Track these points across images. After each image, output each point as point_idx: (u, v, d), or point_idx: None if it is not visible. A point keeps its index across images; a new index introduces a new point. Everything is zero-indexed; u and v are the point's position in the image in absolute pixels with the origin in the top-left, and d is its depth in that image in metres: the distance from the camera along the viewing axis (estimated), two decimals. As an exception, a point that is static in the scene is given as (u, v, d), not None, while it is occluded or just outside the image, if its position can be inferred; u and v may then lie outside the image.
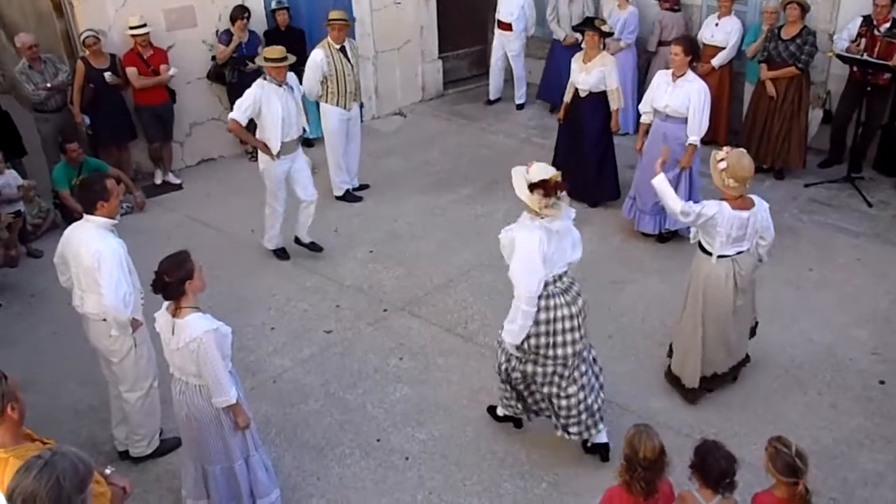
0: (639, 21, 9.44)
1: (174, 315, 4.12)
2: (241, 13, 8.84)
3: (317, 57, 7.85)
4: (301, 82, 7.47)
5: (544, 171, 4.40)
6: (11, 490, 2.54)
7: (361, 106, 8.43)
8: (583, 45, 7.80)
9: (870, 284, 6.75)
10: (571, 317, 4.57)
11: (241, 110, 6.77)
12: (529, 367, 4.71)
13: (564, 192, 4.43)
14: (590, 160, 7.92)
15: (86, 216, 4.70)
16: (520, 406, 5.03)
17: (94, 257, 4.55)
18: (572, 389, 4.70)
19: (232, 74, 8.97)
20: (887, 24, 7.77)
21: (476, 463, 5.10)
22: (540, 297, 4.45)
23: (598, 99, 7.67)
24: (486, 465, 5.08)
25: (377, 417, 5.51)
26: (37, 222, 7.87)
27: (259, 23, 9.25)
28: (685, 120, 6.82)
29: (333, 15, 7.91)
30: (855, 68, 8.03)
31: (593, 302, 6.60)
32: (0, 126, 8.41)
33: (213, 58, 9.06)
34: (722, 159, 4.93)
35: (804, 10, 8.00)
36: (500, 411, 5.28)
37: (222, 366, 4.12)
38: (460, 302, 6.72)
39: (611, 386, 5.69)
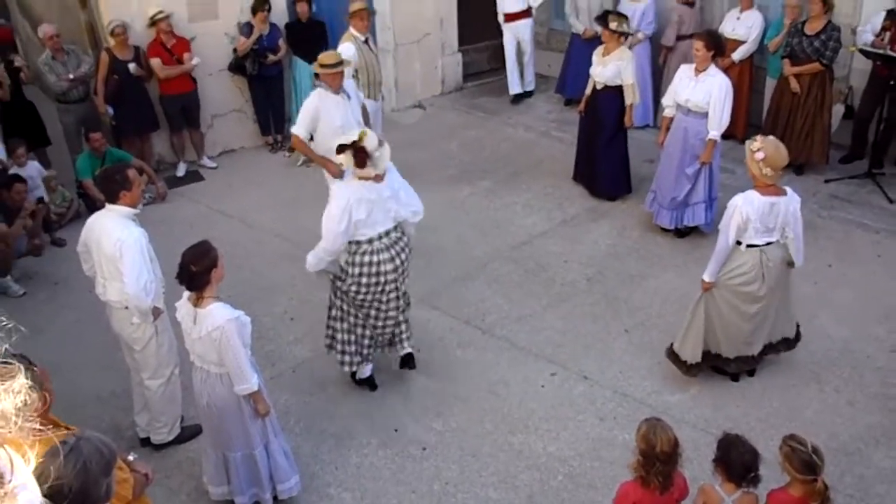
0: (656, 12, 9.40)
1: (196, 304, 4.18)
2: (262, 5, 8.89)
3: (349, 51, 7.82)
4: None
5: (359, 137, 5.01)
6: (38, 475, 2.59)
7: (382, 98, 8.46)
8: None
9: (889, 281, 6.71)
10: (394, 269, 5.13)
11: (301, 124, 6.45)
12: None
13: (377, 159, 4.97)
14: (603, 154, 7.91)
15: (108, 205, 4.77)
16: (360, 353, 5.47)
17: (116, 246, 4.62)
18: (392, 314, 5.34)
19: (253, 66, 9.03)
20: (912, 19, 7.69)
21: (492, 454, 5.13)
22: (364, 253, 5.05)
23: (615, 93, 7.66)
24: (503, 456, 5.12)
25: (395, 408, 5.56)
26: (60, 211, 7.99)
27: (280, 15, 9.30)
28: (706, 115, 6.81)
29: (356, 5, 7.92)
30: (878, 63, 7.96)
31: (610, 296, 6.64)
32: (25, 116, 8.55)
33: (235, 50, 9.12)
34: (759, 149, 4.96)
35: (827, 4, 7.93)
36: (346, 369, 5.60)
37: (244, 354, 4.18)
38: (478, 294, 6.75)
39: (626, 380, 5.72)
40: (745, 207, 5.01)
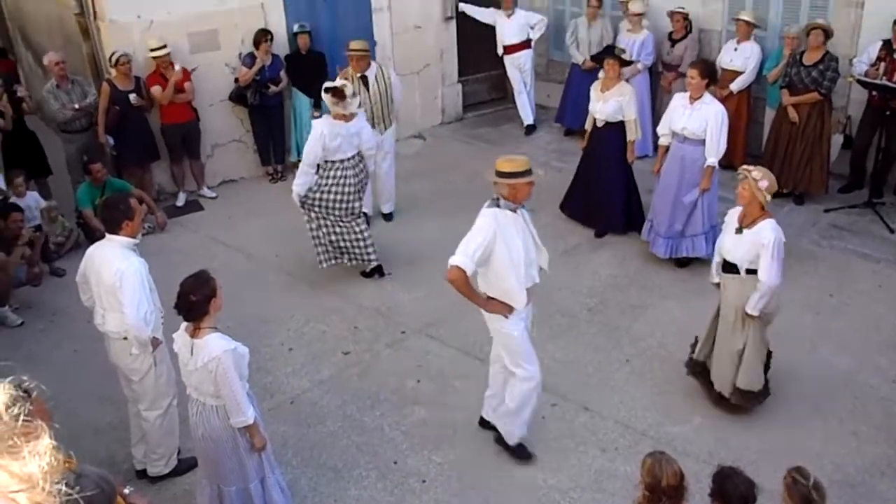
0: (655, 44, 9.49)
1: (193, 335, 4.15)
2: (263, 36, 8.97)
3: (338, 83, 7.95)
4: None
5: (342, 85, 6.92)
6: None
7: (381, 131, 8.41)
8: (600, 75, 7.80)
9: (891, 311, 6.68)
10: (356, 183, 7.04)
11: (470, 254, 4.61)
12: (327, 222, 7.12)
13: (349, 104, 6.84)
14: (604, 190, 7.85)
15: (108, 236, 4.76)
16: (327, 253, 7.29)
17: (116, 276, 4.60)
18: (358, 229, 7.16)
19: (254, 97, 9.08)
20: (908, 49, 7.74)
21: (493, 487, 5.07)
22: (335, 169, 6.95)
23: (615, 129, 7.59)
24: (503, 488, 5.06)
25: (394, 439, 5.51)
26: (60, 241, 7.99)
27: (281, 46, 9.37)
28: (703, 142, 6.85)
29: (351, 46, 7.95)
30: (874, 93, 8.00)
31: (611, 326, 6.61)
32: (26, 147, 8.59)
33: (236, 80, 9.17)
34: (762, 178, 5.08)
35: (828, 35, 7.98)
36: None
37: (240, 386, 4.14)
38: (478, 324, 6.63)
39: (628, 411, 5.68)
40: (780, 236, 5.14)
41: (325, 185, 6.95)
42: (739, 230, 5.22)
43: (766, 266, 5.07)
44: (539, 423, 5.57)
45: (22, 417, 1.17)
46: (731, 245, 5.30)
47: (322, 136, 6.83)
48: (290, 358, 6.40)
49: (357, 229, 7.16)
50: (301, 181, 6.99)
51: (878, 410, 5.59)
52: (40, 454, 1.17)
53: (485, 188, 9.08)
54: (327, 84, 6.95)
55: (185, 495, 5.08)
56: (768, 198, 5.09)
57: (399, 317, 6.87)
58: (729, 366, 5.44)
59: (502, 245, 4.62)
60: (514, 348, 4.95)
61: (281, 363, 6.33)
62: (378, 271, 7.44)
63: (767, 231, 5.09)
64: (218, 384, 4.10)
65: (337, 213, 7.03)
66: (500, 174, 4.67)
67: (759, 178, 5.06)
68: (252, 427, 4.24)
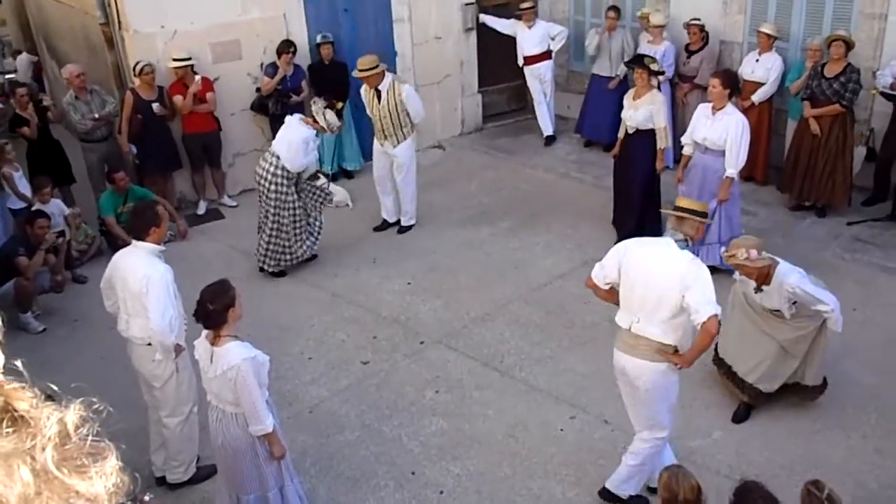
0: (676, 54, 9.46)
1: (213, 343, 4.18)
2: (287, 47, 9.02)
3: (362, 92, 8.15)
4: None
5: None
6: None
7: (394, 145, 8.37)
8: (632, 83, 7.79)
9: (915, 326, 6.61)
10: (260, 176, 7.39)
11: (716, 300, 4.42)
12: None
13: (316, 112, 7.42)
14: (635, 198, 7.86)
15: (135, 242, 4.81)
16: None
17: (142, 282, 4.64)
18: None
19: (276, 106, 9.13)
20: (932, 62, 7.68)
21: (511, 499, 5.05)
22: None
23: (646, 136, 7.60)
24: (521, 501, 5.04)
25: (412, 450, 5.50)
26: (82, 248, 8.06)
27: (303, 56, 9.42)
28: (724, 153, 6.83)
29: (358, 65, 7.90)
30: (899, 106, 7.93)
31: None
32: (51, 155, 8.68)
33: (258, 89, 9.23)
34: (750, 248, 5.13)
35: (849, 47, 7.93)
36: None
37: (259, 394, 4.15)
38: (497, 336, 6.70)
39: (648, 424, 5.63)
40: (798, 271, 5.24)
41: None
42: (759, 289, 5.30)
43: (817, 301, 5.12)
44: (558, 436, 5.55)
45: (90, 438, 1.20)
46: (760, 299, 5.41)
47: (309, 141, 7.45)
48: (309, 367, 6.41)
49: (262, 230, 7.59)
50: None
51: (902, 426, 5.52)
52: (107, 474, 1.20)
53: (502, 199, 9.16)
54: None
55: (203, 502, 5.10)
56: (765, 255, 5.15)
57: (418, 327, 6.87)
58: (779, 362, 5.46)
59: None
60: (674, 398, 4.68)
61: (300, 372, 6.34)
62: (264, 268, 7.71)
63: (787, 279, 5.16)
64: (237, 392, 4.11)
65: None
66: (693, 212, 4.57)
67: (745, 255, 5.10)
68: (271, 435, 4.25)
